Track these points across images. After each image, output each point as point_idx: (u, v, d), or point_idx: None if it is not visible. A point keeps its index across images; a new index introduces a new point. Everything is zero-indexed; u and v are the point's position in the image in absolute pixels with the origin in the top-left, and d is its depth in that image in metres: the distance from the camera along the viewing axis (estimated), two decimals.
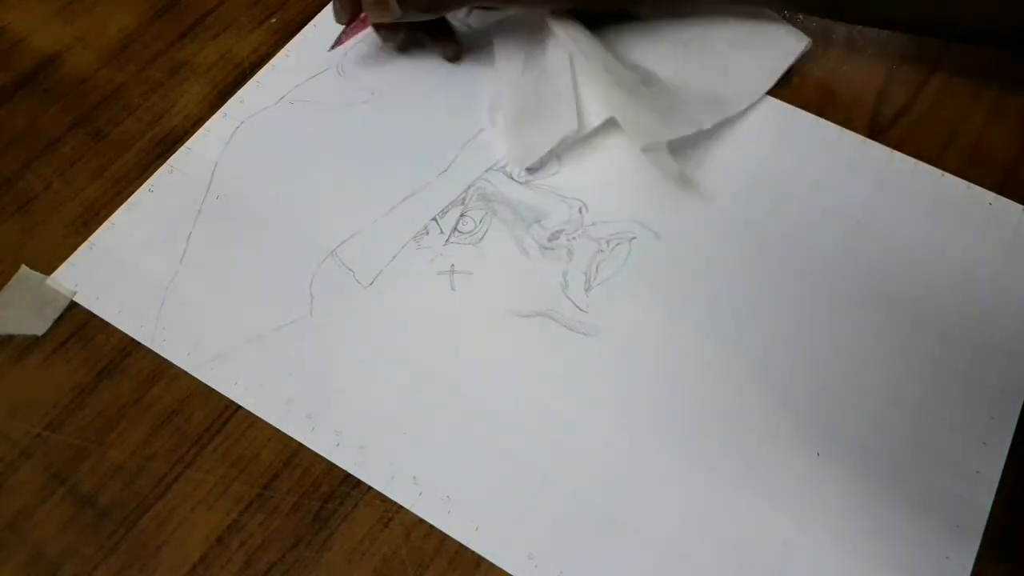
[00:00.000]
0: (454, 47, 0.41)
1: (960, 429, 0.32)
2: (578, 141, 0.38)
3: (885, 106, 0.41)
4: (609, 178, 0.38)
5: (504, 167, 0.38)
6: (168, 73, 0.41)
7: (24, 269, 0.35)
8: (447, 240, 0.36)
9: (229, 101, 0.40)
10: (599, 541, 0.30)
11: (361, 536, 0.30)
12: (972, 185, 0.38)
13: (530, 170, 0.37)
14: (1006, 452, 0.32)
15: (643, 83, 0.38)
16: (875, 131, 0.40)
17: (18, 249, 0.36)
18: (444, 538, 0.30)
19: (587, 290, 0.35)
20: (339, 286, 0.35)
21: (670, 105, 0.38)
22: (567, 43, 0.38)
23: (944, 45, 0.43)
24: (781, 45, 0.41)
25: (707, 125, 0.38)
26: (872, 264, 0.35)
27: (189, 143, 0.39)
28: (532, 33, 0.40)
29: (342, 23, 0.39)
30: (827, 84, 0.41)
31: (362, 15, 0.38)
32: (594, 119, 0.37)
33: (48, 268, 0.35)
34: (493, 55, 0.40)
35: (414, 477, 0.31)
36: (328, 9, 0.42)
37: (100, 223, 0.36)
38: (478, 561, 0.30)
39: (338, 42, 0.39)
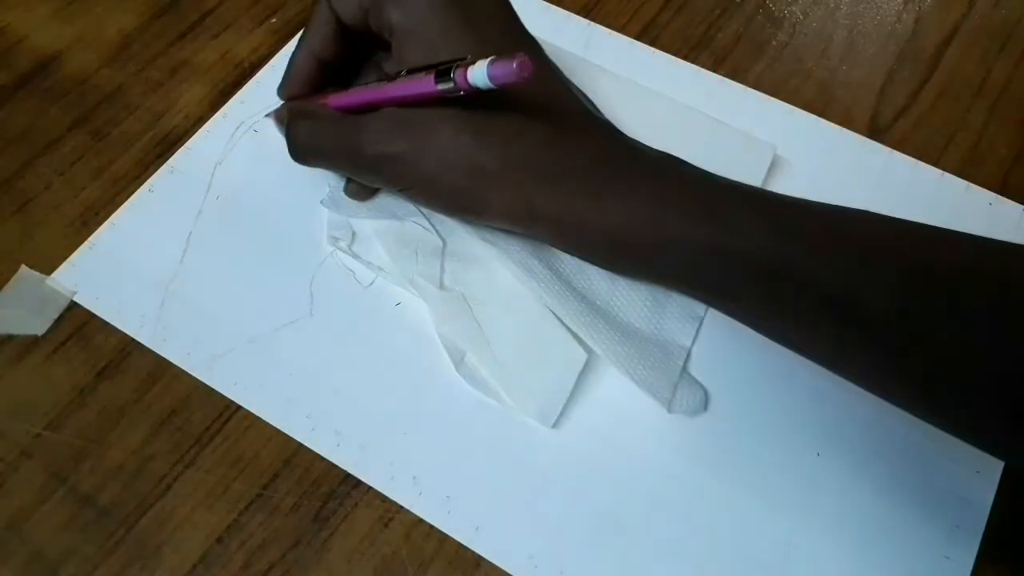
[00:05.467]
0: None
1: None
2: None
3: (885, 106, 0.41)
4: None
5: None
6: (168, 73, 0.41)
7: (24, 269, 0.35)
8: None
9: (229, 101, 0.40)
10: (599, 541, 0.30)
11: (361, 536, 0.30)
12: (972, 185, 0.38)
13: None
14: None
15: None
16: (875, 131, 0.40)
17: (18, 249, 0.36)
18: (444, 538, 0.30)
19: None
20: (339, 286, 0.35)
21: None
22: (526, 281, 0.33)
23: (944, 45, 0.43)
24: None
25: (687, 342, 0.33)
26: None
27: (189, 143, 0.39)
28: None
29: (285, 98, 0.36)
30: (827, 84, 0.41)
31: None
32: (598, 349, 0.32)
33: (48, 268, 0.35)
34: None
35: (414, 477, 0.31)
36: None
37: (100, 223, 0.36)
38: (478, 561, 0.30)
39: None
